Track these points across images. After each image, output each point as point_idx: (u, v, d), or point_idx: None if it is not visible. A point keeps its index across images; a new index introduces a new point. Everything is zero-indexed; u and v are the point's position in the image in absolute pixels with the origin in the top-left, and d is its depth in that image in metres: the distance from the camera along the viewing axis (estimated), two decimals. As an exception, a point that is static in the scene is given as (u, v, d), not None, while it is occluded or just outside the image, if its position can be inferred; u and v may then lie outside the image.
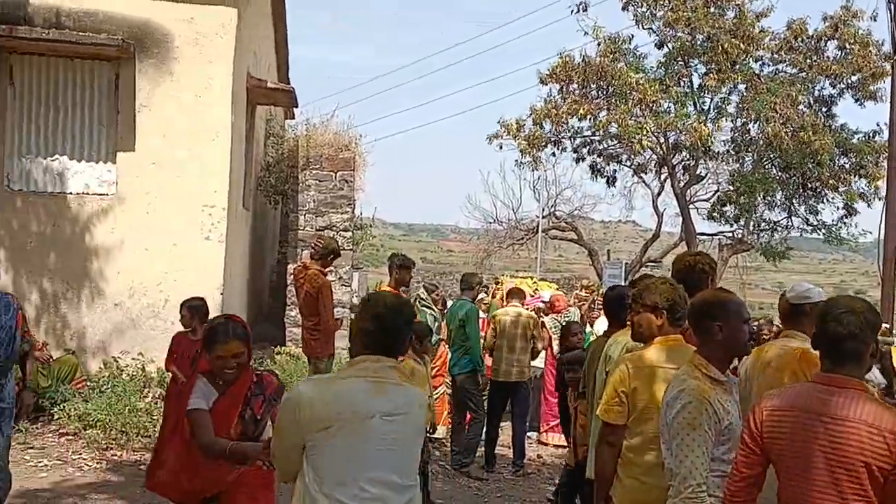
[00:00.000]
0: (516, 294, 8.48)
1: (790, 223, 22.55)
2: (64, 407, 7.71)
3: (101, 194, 9.01)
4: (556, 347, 8.50)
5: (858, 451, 2.49)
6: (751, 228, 22.37)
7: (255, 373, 3.79)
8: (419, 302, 9.02)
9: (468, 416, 7.80)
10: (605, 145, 22.70)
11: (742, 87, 20.73)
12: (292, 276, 9.13)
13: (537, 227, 24.37)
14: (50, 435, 7.58)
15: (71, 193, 8.98)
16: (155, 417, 7.34)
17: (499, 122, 22.16)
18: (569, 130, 22.26)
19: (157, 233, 8.99)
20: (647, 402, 3.42)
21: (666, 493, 2.96)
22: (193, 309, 6.19)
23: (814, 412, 2.60)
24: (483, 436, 7.89)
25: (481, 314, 8.69)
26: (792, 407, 2.66)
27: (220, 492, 3.70)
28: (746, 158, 21.44)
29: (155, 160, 9.01)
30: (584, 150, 23.02)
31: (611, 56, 20.30)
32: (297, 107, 13.27)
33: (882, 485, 2.48)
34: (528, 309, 8.79)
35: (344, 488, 2.66)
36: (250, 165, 11.47)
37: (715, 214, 22.52)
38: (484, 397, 7.97)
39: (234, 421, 3.60)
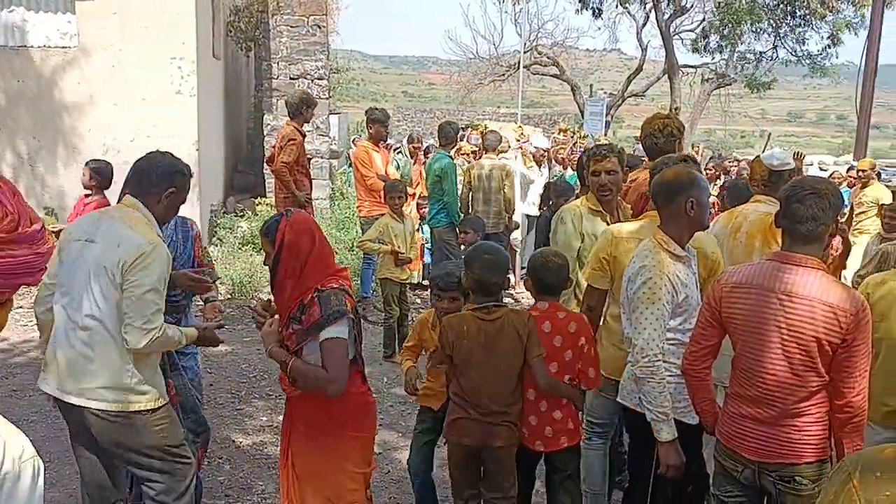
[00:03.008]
0: (490, 143, 8.44)
1: (775, 54, 22.18)
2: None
3: (63, 47, 8.67)
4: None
5: (811, 327, 2.61)
6: (734, 60, 21.98)
7: (315, 292, 2.83)
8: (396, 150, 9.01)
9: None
10: (591, -26, 21.79)
11: None
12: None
13: (519, 62, 23.79)
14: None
15: (32, 47, 8.63)
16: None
17: (478, -50, 21.08)
18: (552, -41, 21.26)
19: (125, 87, 8.75)
20: (622, 272, 3.51)
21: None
22: (94, 171, 5.76)
23: (771, 289, 2.70)
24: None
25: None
26: (750, 284, 2.76)
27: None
28: (734, -14, 20.65)
29: (116, 10, 8.61)
30: (569, -20, 22.10)
31: None
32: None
33: (831, 357, 2.62)
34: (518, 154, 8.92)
35: None
36: (218, 9, 10.96)
37: (699, 46, 22.02)
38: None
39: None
